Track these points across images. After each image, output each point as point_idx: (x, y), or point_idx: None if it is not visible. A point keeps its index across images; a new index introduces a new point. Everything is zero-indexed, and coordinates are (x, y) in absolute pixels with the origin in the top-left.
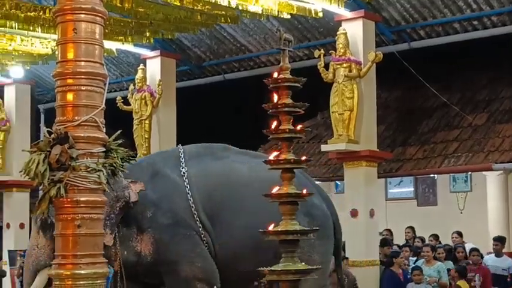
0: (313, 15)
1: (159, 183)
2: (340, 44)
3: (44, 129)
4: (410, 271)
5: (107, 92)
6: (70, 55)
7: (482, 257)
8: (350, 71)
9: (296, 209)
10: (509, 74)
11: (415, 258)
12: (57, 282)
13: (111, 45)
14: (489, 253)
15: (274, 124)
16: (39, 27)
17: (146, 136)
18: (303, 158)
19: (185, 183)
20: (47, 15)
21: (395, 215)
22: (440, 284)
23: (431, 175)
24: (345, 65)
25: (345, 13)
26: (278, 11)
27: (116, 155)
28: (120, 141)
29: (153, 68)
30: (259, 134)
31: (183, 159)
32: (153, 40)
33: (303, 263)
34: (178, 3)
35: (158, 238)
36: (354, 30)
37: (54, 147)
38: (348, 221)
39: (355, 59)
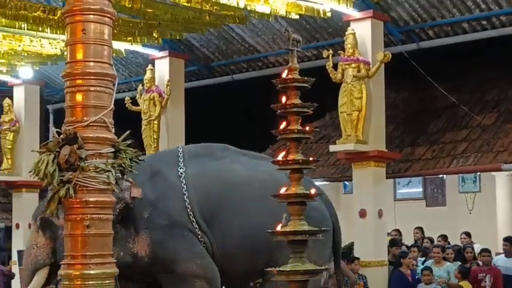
0: (322, 16)
1: (157, 183)
2: (349, 44)
3: (53, 129)
4: (418, 272)
5: (116, 93)
6: (79, 56)
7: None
8: (359, 71)
9: (304, 209)
10: None
11: (423, 259)
12: (66, 282)
13: (119, 45)
14: (498, 254)
15: (282, 124)
16: (48, 28)
17: (155, 136)
18: (311, 158)
19: (182, 184)
20: (56, 16)
21: (404, 215)
22: (450, 285)
23: (440, 175)
24: (353, 65)
25: (354, 13)
26: (286, 12)
27: (124, 156)
28: (129, 142)
29: (162, 68)
30: (267, 135)
31: (182, 160)
32: (161, 40)
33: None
34: (186, 4)
35: (155, 239)
36: (363, 31)
37: (63, 148)
38: (356, 221)
39: (364, 59)
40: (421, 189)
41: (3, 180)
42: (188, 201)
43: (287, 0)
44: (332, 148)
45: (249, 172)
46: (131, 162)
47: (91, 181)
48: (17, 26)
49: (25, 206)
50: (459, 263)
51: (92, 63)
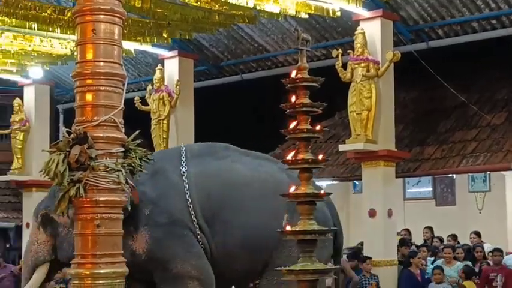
0: (331, 15)
1: (159, 182)
2: (358, 44)
3: (63, 129)
4: (428, 271)
5: (126, 92)
6: (89, 56)
7: None
8: (368, 70)
9: (314, 208)
10: None
11: (432, 259)
12: (77, 282)
13: (129, 45)
14: (508, 253)
15: (292, 124)
16: (58, 28)
17: (164, 136)
18: (321, 157)
19: (184, 183)
20: (66, 16)
21: (413, 214)
22: (460, 285)
23: (450, 175)
24: (362, 65)
25: (363, 13)
26: (296, 11)
27: (134, 155)
28: (138, 141)
29: (171, 68)
30: (276, 134)
31: (184, 158)
32: (171, 40)
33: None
34: (196, 4)
35: (154, 236)
36: (372, 30)
37: (74, 148)
38: (366, 221)
39: (373, 59)
40: (430, 189)
41: (13, 180)
42: (190, 200)
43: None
44: (341, 147)
45: (250, 172)
46: (141, 162)
47: (101, 180)
48: (27, 26)
49: (35, 206)
50: (469, 262)
51: (101, 63)
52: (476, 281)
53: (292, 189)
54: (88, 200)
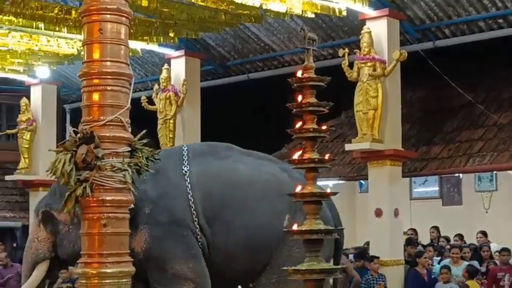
0: (338, 14)
1: (160, 181)
2: (365, 43)
3: (69, 129)
4: (434, 271)
5: (132, 92)
6: (96, 55)
7: None
8: (374, 69)
9: (320, 208)
10: None
11: (439, 258)
12: (83, 281)
13: (136, 45)
14: None
15: (298, 123)
16: (65, 28)
17: (171, 136)
18: (327, 157)
19: (186, 183)
20: (73, 15)
21: (420, 214)
22: (463, 284)
23: (456, 174)
24: (369, 64)
25: (369, 12)
26: (302, 10)
27: (141, 155)
28: (145, 141)
29: (178, 67)
30: (283, 133)
31: (186, 158)
32: (177, 40)
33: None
34: (202, 3)
35: (153, 235)
36: (379, 29)
37: (80, 147)
38: (372, 220)
39: (380, 58)
40: (437, 188)
41: (20, 179)
42: (192, 200)
43: None
44: (348, 147)
45: (252, 172)
46: (147, 161)
47: (108, 180)
48: (34, 26)
49: None
50: (476, 262)
51: (108, 63)
52: (482, 280)
53: (298, 189)
54: (95, 199)
